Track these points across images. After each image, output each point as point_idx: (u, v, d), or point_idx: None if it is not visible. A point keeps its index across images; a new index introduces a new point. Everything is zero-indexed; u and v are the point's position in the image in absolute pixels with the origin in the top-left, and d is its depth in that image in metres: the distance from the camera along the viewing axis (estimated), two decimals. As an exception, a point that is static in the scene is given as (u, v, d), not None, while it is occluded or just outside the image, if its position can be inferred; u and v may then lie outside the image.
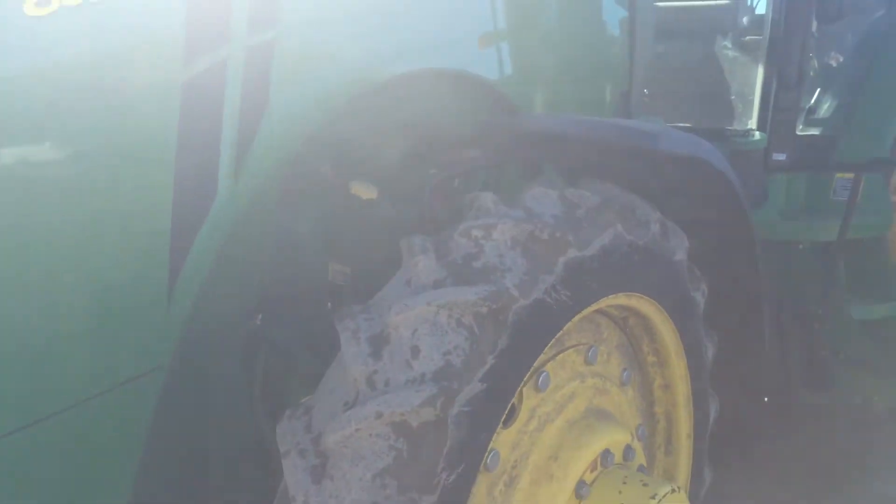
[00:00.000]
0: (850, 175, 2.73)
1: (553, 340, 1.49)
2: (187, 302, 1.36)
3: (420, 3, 1.79)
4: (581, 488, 1.60)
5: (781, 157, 2.76)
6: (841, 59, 3.25)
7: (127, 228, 1.27)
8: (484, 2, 1.95)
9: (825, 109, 3.00)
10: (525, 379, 1.47)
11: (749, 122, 2.83)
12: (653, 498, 1.60)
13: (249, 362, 1.76)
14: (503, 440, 1.49)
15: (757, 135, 2.78)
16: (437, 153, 1.97)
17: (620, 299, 1.71)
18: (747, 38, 3.02)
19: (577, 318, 1.55)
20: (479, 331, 1.32)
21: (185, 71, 1.31)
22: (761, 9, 3.26)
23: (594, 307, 1.62)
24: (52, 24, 1.14)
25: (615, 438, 1.70)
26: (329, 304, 1.93)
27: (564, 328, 1.52)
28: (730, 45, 3.11)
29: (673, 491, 1.66)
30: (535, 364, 1.49)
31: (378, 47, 1.66)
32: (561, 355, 1.64)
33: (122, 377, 1.31)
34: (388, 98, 1.73)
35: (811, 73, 2.98)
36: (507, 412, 1.42)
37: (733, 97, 2.97)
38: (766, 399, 2.50)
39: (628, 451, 1.73)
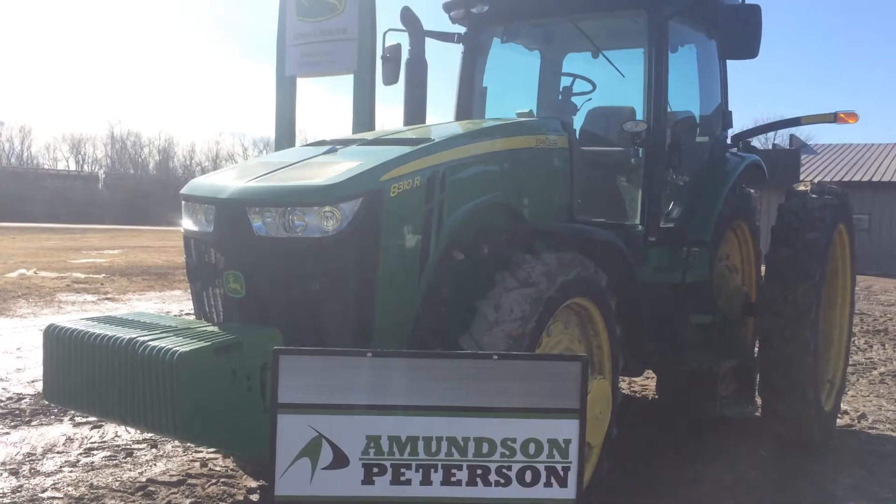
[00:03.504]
0: (687, 248, 5.19)
1: (555, 312, 3.77)
2: (424, 286, 3.59)
3: (489, 176, 4.11)
4: (567, 375, 3.87)
5: (653, 239, 5.11)
6: (687, 179, 5.73)
7: (415, 266, 3.53)
8: (513, 174, 4.27)
9: (675, 212, 5.46)
10: (545, 328, 3.74)
11: (636, 219, 5.21)
12: (599, 375, 3.90)
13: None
14: (537, 353, 3.75)
15: (640, 227, 5.14)
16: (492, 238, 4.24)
17: (578, 300, 3.99)
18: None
19: (563, 305, 3.84)
20: (534, 304, 3.58)
21: (426, 206, 3.59)
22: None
23: (569, 301, 3.91)
24: None
25: (579, 359, 3.99)
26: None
27: (558, 309, 3.80)
28: (624, 176, 5.55)
29: (603, 377, 3.96)
30: (549, 322, 3.76)
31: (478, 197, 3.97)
32: (555, 323, 3.91)
33: (411, 316, 3.52)
34: (478, 213, 4.02)
35: (668, 192, 5.40)
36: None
37: (627, 206, 5.37)
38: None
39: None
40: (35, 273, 16.50)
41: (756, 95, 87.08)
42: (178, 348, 2.79)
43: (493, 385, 2.40)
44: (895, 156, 33.41)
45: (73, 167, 74.30)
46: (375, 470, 2.37)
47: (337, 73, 5.14)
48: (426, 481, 2.37)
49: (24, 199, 52.85)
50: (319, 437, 2.35)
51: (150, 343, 2.86)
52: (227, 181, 3.53)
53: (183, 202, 3.68)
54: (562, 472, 2.41)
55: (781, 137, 41.44)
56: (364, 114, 5.02)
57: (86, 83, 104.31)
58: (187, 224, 3.66)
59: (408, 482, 2.37)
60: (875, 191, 29.15)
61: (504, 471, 2.40)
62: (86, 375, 3.05)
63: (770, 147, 35.06)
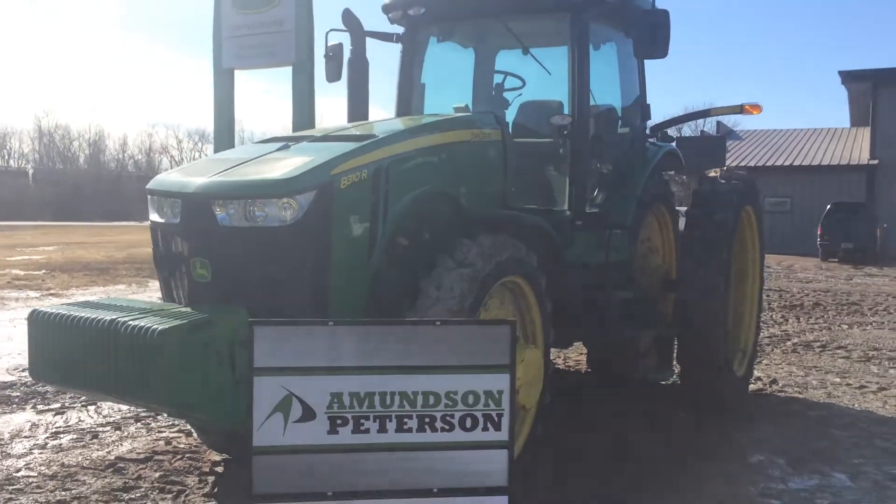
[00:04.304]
0: (610, 230, 5.70)
1: (490, 289, 4.21)
2: (373, 270, 3.99)
3: (429, 168, 4.53)
4: (502, 345, 4.33)
5: (579, 222, 5.60)
6: (610, 167, 6.24)
7: (364, 251, 3.94)
8: (451, 166, 4.69)
9: (599, 198, 5.96)
10: (483, 303, 4.19)
11: (564, 205, 5.69)
12: (533, 345, 4.37)
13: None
14: (475, 326, 4.19)
15: (567, 212, 5.63)
16: (433, 225, 4.66)
17: (512, 278, 4.45)
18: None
19: (498, 283, 4.28)
20: (471, 282, 4.02)
21: (372, 196, 3.99)
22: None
23: (503, 280, 4.35)
24: None
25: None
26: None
27: (493, 286, 4.24)
28: (552, 165, 6.03)
29: (536, 347, 4.44)
30: (485, 298, 4.21)
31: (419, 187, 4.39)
32: (491, 299, 4.36)
33: (363, 297, 3.91)
34: (420, 203, 4.44)
35: (592, 179, 5.90)
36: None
37: (555, 193, 5.85)
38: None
39: (520, 337, 4.48)
40: (-29, 271, 16.28)
41: (687, 85, 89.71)
42: (157, 326, 3.14)
43: (437, 347, 2.83)
44: (814, 140, 35.07)
45: (-1, 163, 71.97)
46: (339, 422, 2.78)
47: (275, 66, 5.14)
48: (382, 429, 2.79)
49: (-51, 197, 51.25)
50: (290, 395, 2.75)
51: (130, 322, 3.20)
52: (191, 177, 3.87)
53: (149, 196, 4.01)
54: (496, 418, 2.86)
55: (710, 124, 42.85)
56: (304, 105, 5.08)
57: (9, 75, 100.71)
58: (154, 216, 3.98)
59: (367, 431, 2.79)
60: (796, 174, 30.62)
61: (448, 418, 2.84)
62: (70, 354, 3.37)
63: (698, 133, 36.34)
